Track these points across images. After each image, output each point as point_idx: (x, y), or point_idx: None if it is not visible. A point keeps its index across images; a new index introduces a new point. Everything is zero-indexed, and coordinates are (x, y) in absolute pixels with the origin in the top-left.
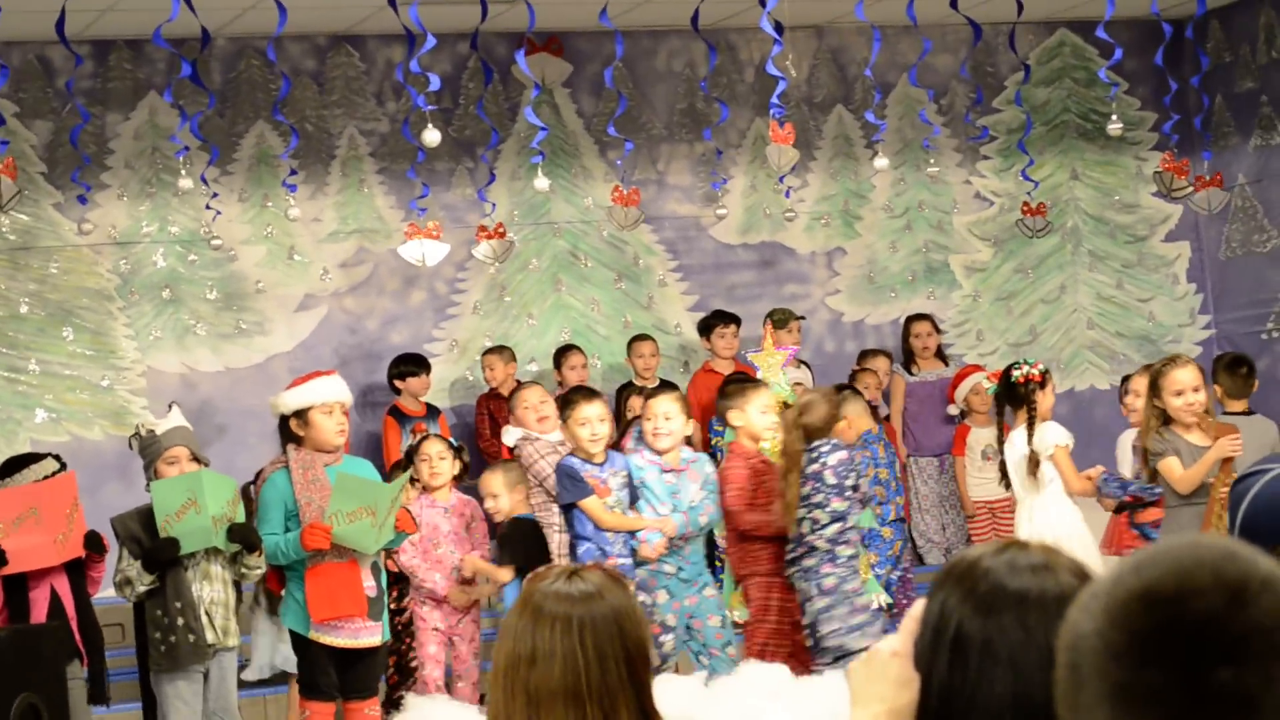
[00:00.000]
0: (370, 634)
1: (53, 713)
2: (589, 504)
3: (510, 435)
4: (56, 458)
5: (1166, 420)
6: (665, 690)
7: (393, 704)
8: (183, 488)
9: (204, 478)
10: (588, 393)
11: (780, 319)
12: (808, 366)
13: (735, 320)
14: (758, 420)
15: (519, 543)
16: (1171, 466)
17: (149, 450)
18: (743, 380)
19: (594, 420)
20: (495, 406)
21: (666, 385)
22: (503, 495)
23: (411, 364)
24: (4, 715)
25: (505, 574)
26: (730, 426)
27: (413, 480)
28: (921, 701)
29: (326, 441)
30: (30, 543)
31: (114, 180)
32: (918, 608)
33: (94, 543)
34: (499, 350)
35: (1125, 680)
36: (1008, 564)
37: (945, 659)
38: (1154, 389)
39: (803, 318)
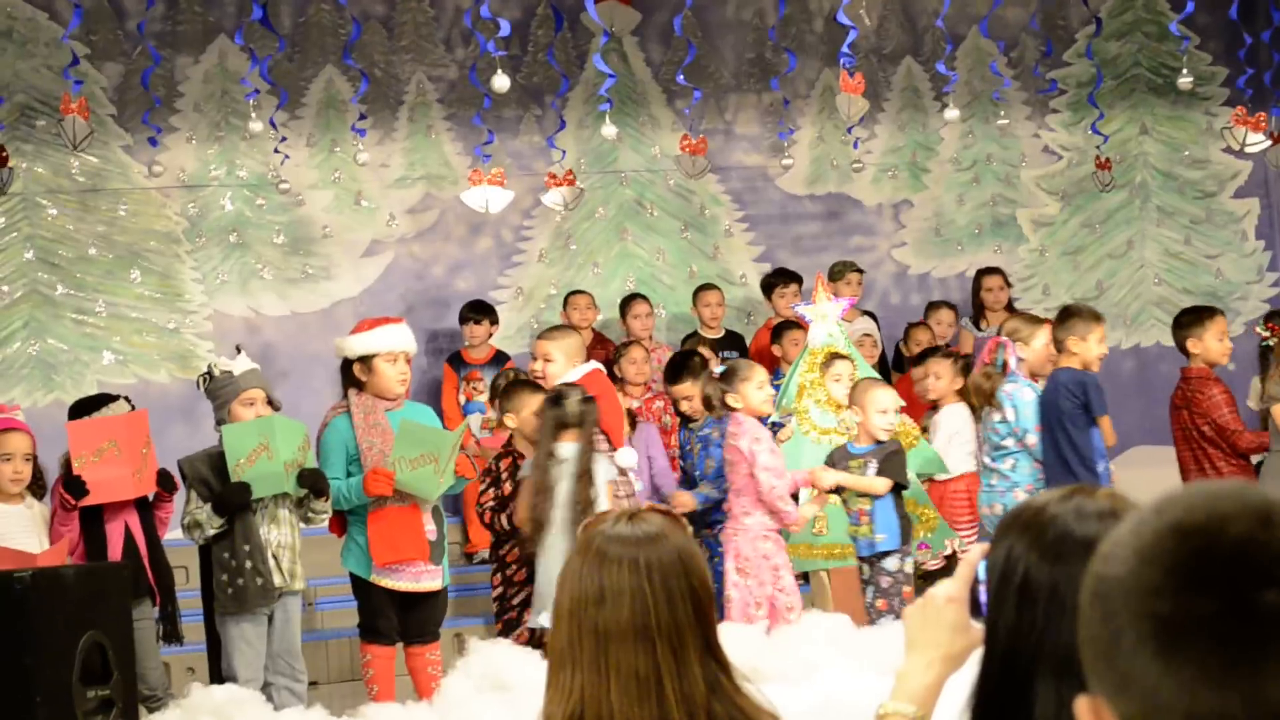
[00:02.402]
0: (431, 578)
1: (119, 652)
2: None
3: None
4: (127, 399)
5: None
6: (727, 638)
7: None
8: (255, 432)
9: (276, 423)
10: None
11: (837, 271)
12: (874, 318)
13: (796, 279)
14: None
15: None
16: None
17: (224, 390)
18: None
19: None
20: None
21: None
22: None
23: (475, 311)
24: (70, 653)
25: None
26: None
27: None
28: (988, 646)
29: (388, 389)
30: (110, 474)
31: (183, 123)
32: (974, 554)
33: (166, 481)
34: (582, 294)
35: (1169, 614)
36: (1075, 511)
37: (1013, 605)
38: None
39: (862, 270)
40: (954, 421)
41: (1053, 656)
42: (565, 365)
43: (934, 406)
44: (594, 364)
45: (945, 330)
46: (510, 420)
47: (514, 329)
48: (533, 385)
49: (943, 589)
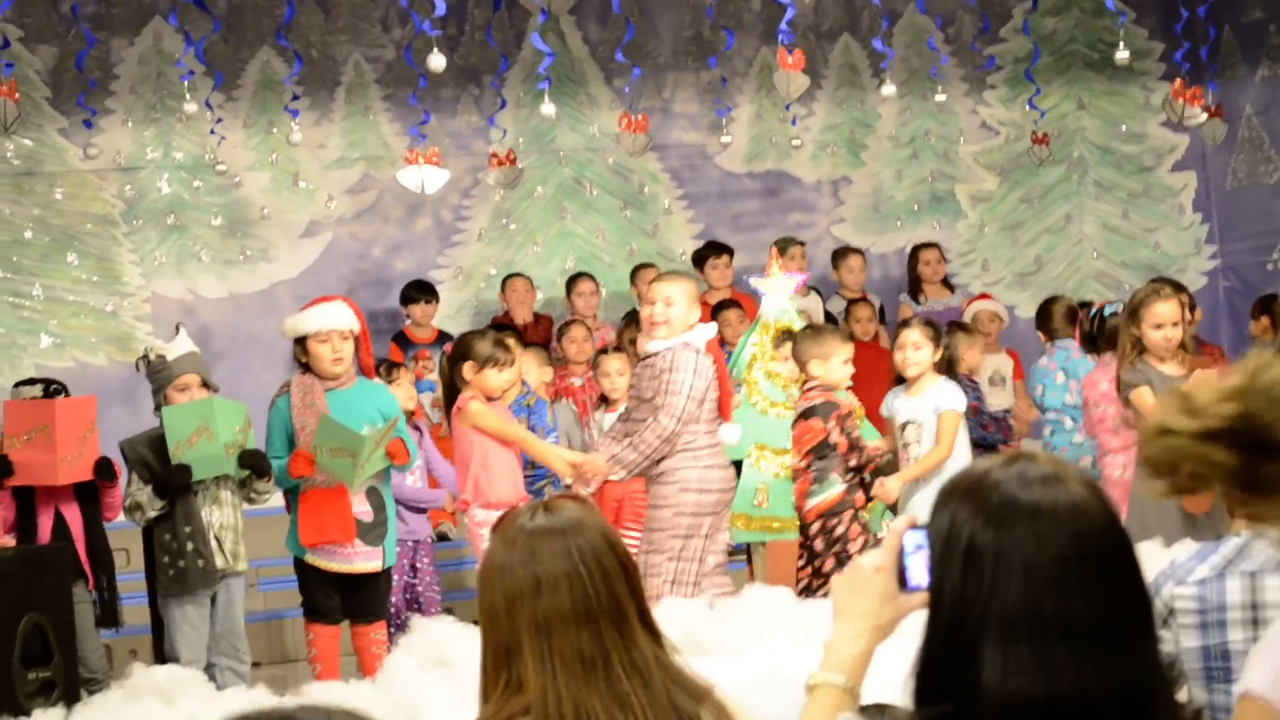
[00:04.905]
0: (366, 559)
1: (59, 633)
2: None
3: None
4: (47, 385)
5: (1142, 350)
6: (669, 613)
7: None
8: (194, 414)
9: (215, 404)
10: None
11: (783, 245)
12: (818, 293)
13: (727, 250)
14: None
15: None
16: (1144, 396)
17: (159, 376)
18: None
19: None
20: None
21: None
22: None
23: (415, 291)
24: (10, 635)
25: None
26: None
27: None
28: (933, 611)
29: (323, 370)
30: (36, 458)
31: (119, 106)
32: (900, 523)
33: (104, 469)
34: (519, 277)
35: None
36: (1018, 476)
37: (958, 570)
38: (1133, 318)
39: (803, 243)
40: (951, 396)
41: (999, 620)
42: (687, 311)
43: (899, 380)
44: (712, 325)
45: (867, 328)
46: (817, 367)
47: (454, 309)
48: (840, 331)
49: (870, 559)
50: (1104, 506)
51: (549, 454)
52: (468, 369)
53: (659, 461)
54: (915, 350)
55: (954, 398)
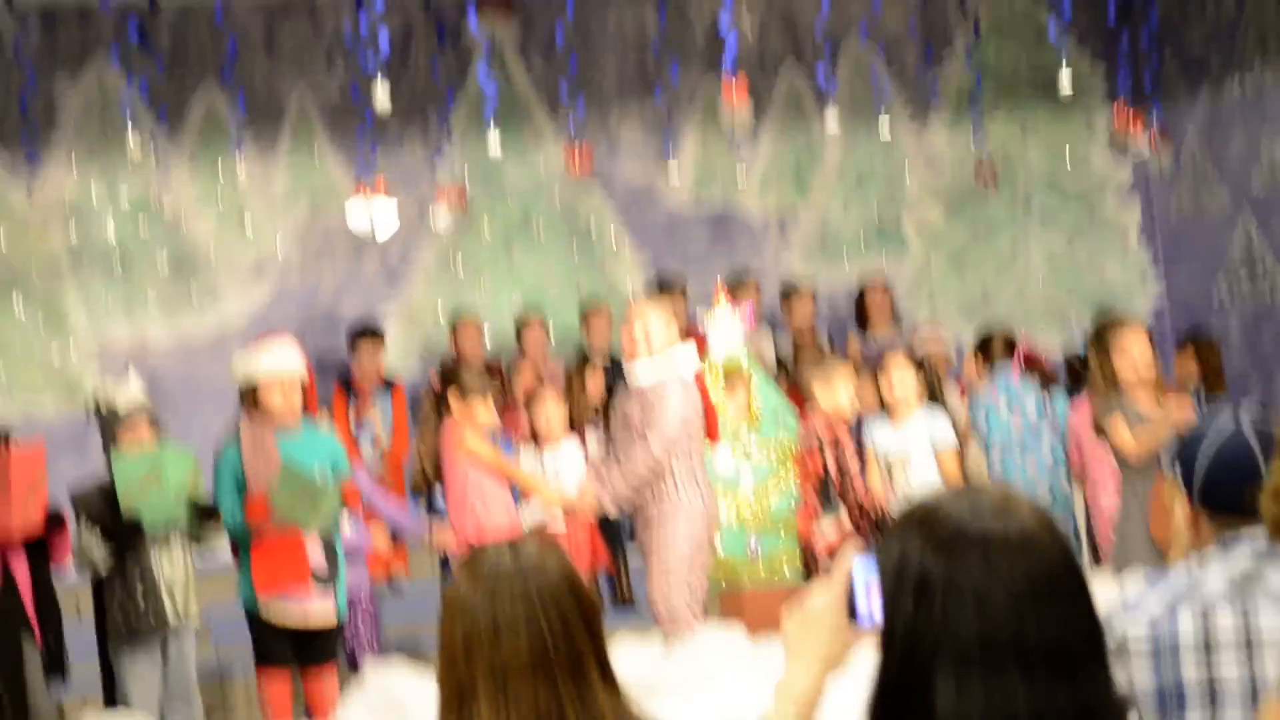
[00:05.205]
0: (321, 611)
1: (9, 685)
2: None
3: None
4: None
5: (1114, 381)
6: (623, 655)
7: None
8: (144, 463)
9: (165, 453)
10: None
11: (734, 281)
12: (771, 328)
13: (679, 286)
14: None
15: None
16: (1118, 429)
17: (108, 423)
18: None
19: None
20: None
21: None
22: None
23: (361, 334)
24: None
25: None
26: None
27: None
28: (886, 643)
29: (273, 416)
30: None
31: (62, 147)
32: (847, 556)
33: (53, 519)
34: (468, 318)
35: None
36: (968, 507)
37: (909, 602)
38: (1101, 350)
39: (754, 280)
40: (944, 429)
41: (952, 649)
42: (665, 332)
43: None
44: (692, 346)
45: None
46: (821, 392)
47: (402, 350)
48: (843, 360)
49: (819, 594)
50: (1055, 536)
51: (541, 488)
52: (454, 398)
53: (644, 491)
54: (900, 382)
55: (945, 429)
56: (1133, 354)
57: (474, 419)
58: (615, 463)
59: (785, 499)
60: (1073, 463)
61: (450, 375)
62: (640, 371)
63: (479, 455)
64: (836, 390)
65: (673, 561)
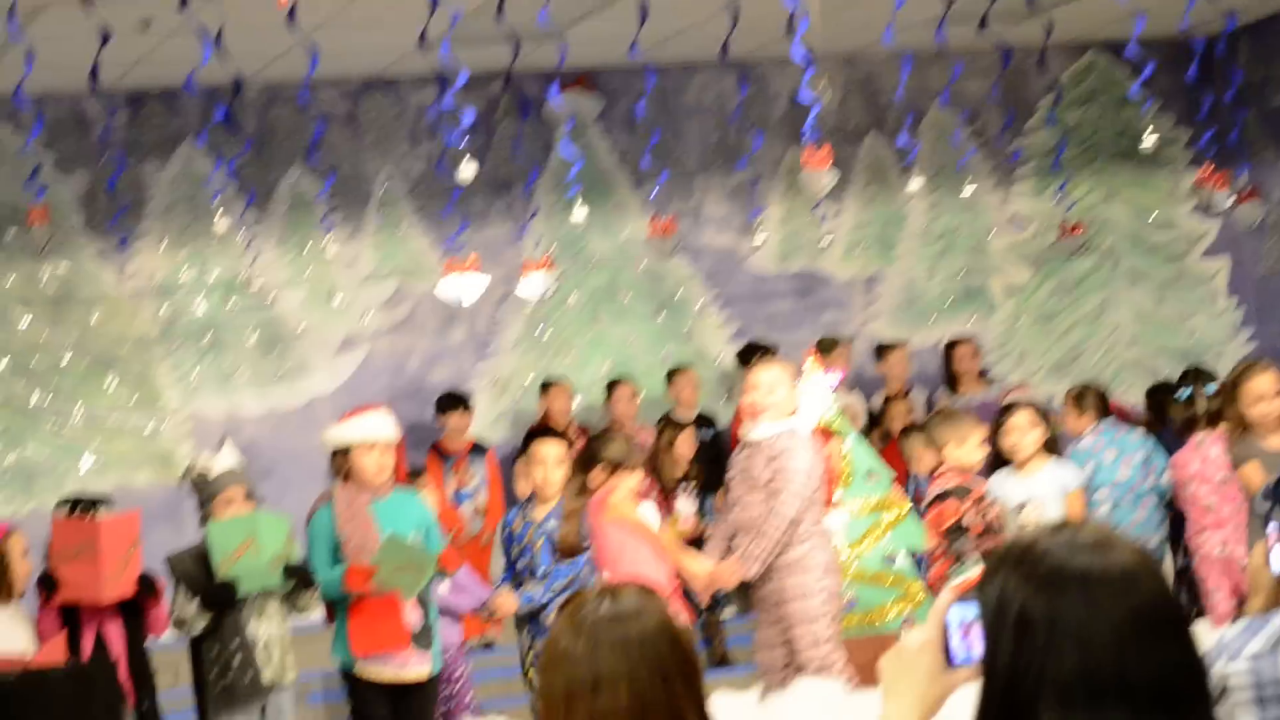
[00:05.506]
0: (416, 666)
1: None
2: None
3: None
4: (91, 503)
5: (1245, 427)
6: (721, 705)
7: None
8: (239, 529)
9: (260, 518)
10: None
11: (827, 345)
12: (862, 392)
13: (771, 350)
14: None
15: None
16: (1251, 474)
17: (203, 492)
18: None
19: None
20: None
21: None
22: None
23: (448, 402)
24: None
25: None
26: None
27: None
28: (987, 682)
29: (366, 480)
30: (83, 575)
31: (152, 229)
32: (944, 599)
33: (146, 585)
34: (558, 384)
35: None
36: (1067, 544)
37: (1009, 640)
38: (1232, 395)
39: (849, 341)
40: (1071, 473)
41: (1054, 687)
42: (789, 395)
43: (997, 464)
44: (815, 408)
45: (905, 423)
46: (953, 450)
47: (492, 418)
48: (967, 413)
49: (916, 635)
50: (1154, 573)
51: (684, 560)
52: (600, 473)
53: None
54: (1025, 434)
55: (1075, 476)
56: (1264, 395)
57: (623, 487)
58: (736, 522)
59: (877, 553)
60: (1182, 508)
61: (593, 449)
62: (766, 428)
63: (629, 521)
64: (969, 444)
65: (814, 611)
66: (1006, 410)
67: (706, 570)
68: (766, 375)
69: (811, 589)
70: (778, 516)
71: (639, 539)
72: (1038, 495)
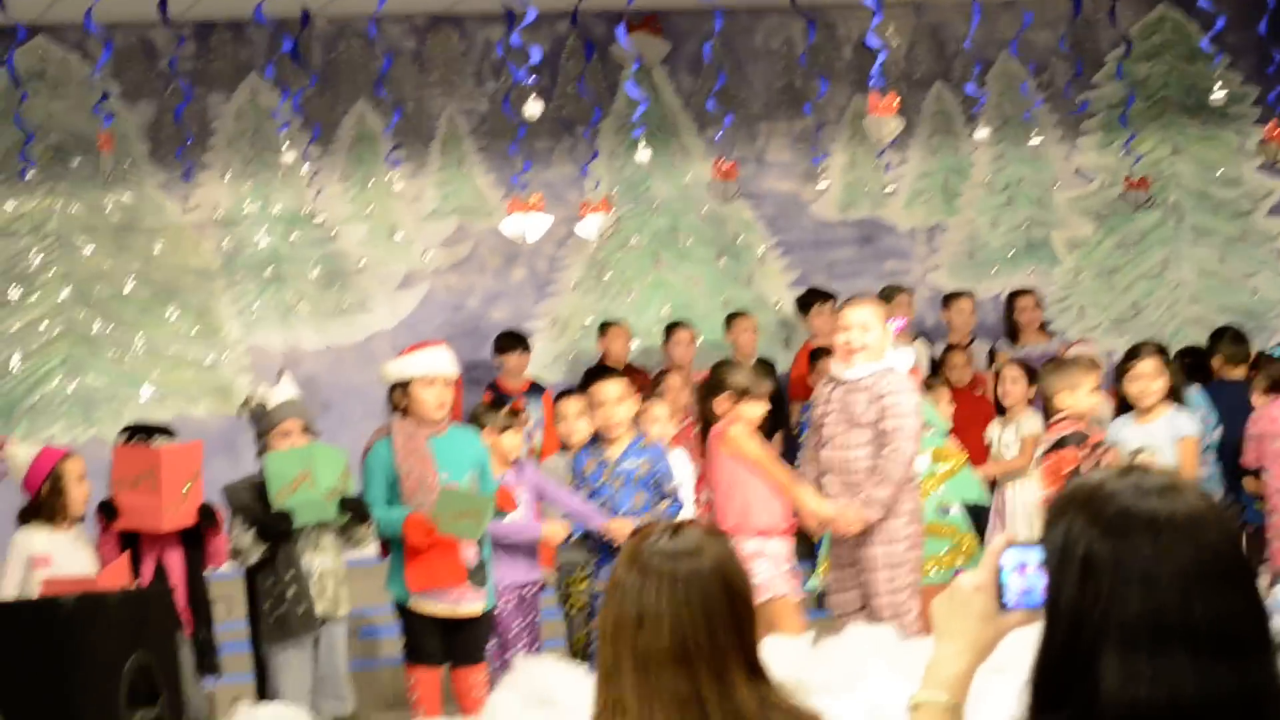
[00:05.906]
0: (471, 602)
1: (165, 673)
2: None
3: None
4: (154, 431)
5: None
6: (771, 649)
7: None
8: (297, 461)
9: (316, 451)
10: None
11: (889, 293)
12: (927, 339)
13: (831, 297)
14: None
15: None
16: None
17: (261, 423)
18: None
19: None
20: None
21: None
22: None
23: (507, 341)
24: (116, 674)
25: None
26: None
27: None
28: (1049, 622)
29: (426, 415)
30: (143, 504)
31: (216, 160)
32: (998, 543)
33: (206, 515)
34: (617, 324)
35: None
36: (1133, 487)
37: (1074, 581)
38: None
39: (911, 290)
40: (1189, 422)
41: (1118, 629)
42: (882, 335)
43: (1122, 409)
44: (910, 351)
45: (962, 374)
46: (1066, 398)
47: (550, 359)
48: (1084, 361)
49: (970, 579)
50: (1220, 518)
51: (804, 497)
52: (725, 400)
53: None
54: (1151, 380)
55: (1192, 424)
56: None
57: (744, 418)
58: (833, 462)
59: (931, 502)
60: (1248, 462)
61: (717, 377)
62: (863, 368)
63: (747, 453)
64: (1080, 391)
65: (897, 557)
66: (1132, 355)
67: (827, 512)
68: (860, 314)
69: (897, 534)
70: (898, 456)
71: (755, 473)
72: (1154, 442)
